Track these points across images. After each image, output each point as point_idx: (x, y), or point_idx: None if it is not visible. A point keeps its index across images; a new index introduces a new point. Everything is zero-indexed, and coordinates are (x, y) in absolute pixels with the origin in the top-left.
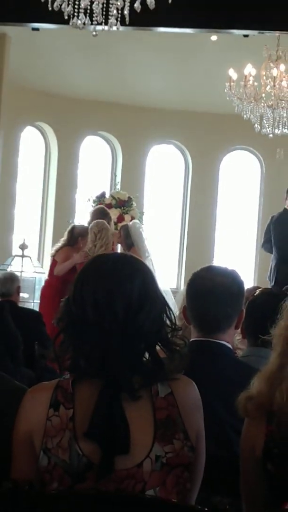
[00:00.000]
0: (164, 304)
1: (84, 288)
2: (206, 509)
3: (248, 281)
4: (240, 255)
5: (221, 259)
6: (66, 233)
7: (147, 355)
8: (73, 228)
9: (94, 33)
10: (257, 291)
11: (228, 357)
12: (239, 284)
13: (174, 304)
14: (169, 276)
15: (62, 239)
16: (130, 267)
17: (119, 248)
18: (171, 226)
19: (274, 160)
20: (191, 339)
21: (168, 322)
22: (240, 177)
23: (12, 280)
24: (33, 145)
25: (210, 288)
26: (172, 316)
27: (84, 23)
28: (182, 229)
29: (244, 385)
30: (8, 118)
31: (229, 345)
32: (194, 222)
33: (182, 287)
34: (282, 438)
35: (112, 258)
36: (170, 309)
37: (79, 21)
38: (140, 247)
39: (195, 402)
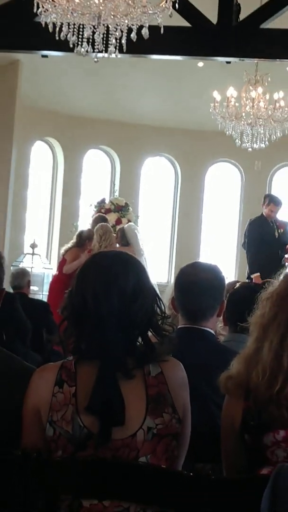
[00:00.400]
0: (155, 295)
1: (85, 282)
2: (191, 473)
3: (230, 275)
4: (222, 253)
5: (206, 256)
6: (75, 236)
7: (140, 339)
8: (82, 232)
9: (95, 59)
10: (237, 285)
11: (211, 342)
12: (221, 278)
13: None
14: (160, 271)
15: (72, 241)
16: (125, 263)
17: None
18: (163, 227)
19: (252, 171)
20: (179, 326)
21: (158, 311)
22: (223, 185)
23: (23, 275)
24: (42, 157)
25: (195, 282)
26: (162, 306)
27: (87, 51)
28: (172, 230)
29: (224, 366)
30: (20, 133)
31: (212, 331)
32: (182, 224)
33: (172, 281)
34: (257, 412)
35: (110, 255)
36: (160, 299)
37: (82, 49)
38: (135, 246)
39: (182, 381)
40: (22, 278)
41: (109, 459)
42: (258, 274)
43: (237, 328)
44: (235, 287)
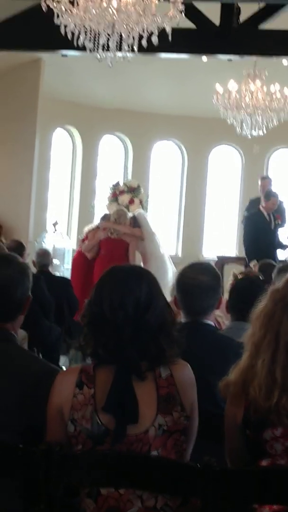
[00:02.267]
0: (166, 304)
1: (102, 292)
2: (198, 465)
3: (231, 249)
4: (224, 228)
5: (210, 231)
6: (100, 219)
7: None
8: (105, 215)
9: (110, 64)
10: (239, 276)
11: (213, 334)
12: (217, 278)
13: (174, 270)
14: (169, 245)
15: (97, 222)
16: (139, 275)
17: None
18: (171, 205)
19: (251, 154)
20: (182, 321)
21: (169, 318)
22: (225, 167)
23: (48, 254)
24: (62, 143)
25: (196, 285)
26: (172, 313)
27: (102, 57)
28: (179, 207)
29: (226, 354)
30: (42, 122)
31: (212, 323)
32: (189, 202)
33: (180, 253)
34: (256, 417)
35: (125, 269)
36: (170, 308)
37: (98, 55)
38: (145, 229)
39: (190, 381)
40: (47, 257)
41: (124, 453)
42: (256, 262)
43: (239, 317)
44: (237, 279)
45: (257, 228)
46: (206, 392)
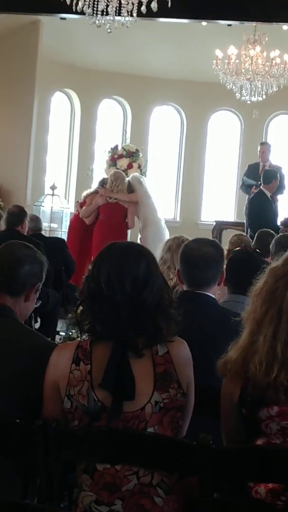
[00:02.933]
0: (164, 282)
1: (100, 268)
2: (194, 442)
3: (229, 214)
4: (222, 192)
5: (208, 196)
6: (98, 183)
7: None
8: (104, 179)
9: (109, 30)
10: (235, 249)
11: (212, 304)
12: (220, 251)
13: (167, 234)
14: (168, 209)
15: (96, 186)
16: (137, 252)
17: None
18: (170, 170)
19: (250, 119)
20: (184, 290)
21: (166, 296)
22: (224, 131)
23: (39, 218)
24: (61, 107)
25: (200, 256)
26: (170, 291)
27: (102, 22)
28: (178, 172)
29: (224, 325)
30: (41, 85)
31: (213, 296)
32: (187, 167)
33: (178, 218)
34: (253, 394)
35: (123, 245)
36: (168, 286)
37: (97, 21)
38: (138, 192)
39: (187, 358)
40: (38, 221)
41: (120, 429)
42: None
43: (235, 290)
44: (233, 251)
45: (261, 209)
46: (205, 365)
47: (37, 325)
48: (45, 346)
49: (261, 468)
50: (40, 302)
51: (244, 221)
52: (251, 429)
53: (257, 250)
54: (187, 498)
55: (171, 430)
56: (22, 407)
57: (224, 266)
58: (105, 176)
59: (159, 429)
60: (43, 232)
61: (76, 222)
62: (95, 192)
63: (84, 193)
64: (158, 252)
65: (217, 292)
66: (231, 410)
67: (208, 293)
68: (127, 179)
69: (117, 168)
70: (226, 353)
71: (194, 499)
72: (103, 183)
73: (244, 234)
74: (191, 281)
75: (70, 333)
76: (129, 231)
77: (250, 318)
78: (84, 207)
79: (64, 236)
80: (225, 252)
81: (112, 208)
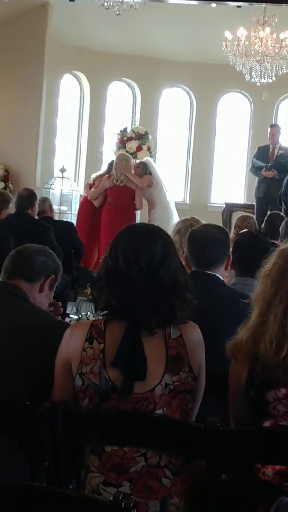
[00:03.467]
0: (180, 264)
1: (118, 247)
2: (201, 424)
3: (239, 196)
4: (232, 175)
5: (218, 178)
6: (107, 165)
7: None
8: (112, 161)
9: (117, 12)
10: (241, 232)
11: (220, 284)
12: (226, 234)
13: (176, 216)
14: (177, 191)
15: (104, 169)
16: (154, 233)
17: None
18: (179, 152)
19: (260, 101)
20: (192, 270)
21: (182, 279)
22: (234, 114)
23: (43, 201)
24: (70, 89)
25: (207, 236)
26: (186, 275)
27: (109, 4)
28: (187, 154)
29: (233, 305)
30: (50, 68)
31: (221, 277)
32: (197, 149)
33: (188, 200)
34: (262, 375)
35: (140, 225)
36: (184, 269)
37: (105, 3)
38: (155, 176)
39: (199, 343)
40: (43, 203)
41: (129, 411)
42: None
43: (242, 272)
44: (239, 234)
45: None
46: (213, 345)
47: None
48: (57, 325)
49: (268, 450)
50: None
51: (254, 203)
52: (259, 411)
53: (264, 232)
54: (194, 480)
55: (180, 413)
56: (36, 386)
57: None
58: (114, 159)
59: (168, 411)
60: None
61: (85, 204)
62: (104, 174)
63: (93, 175)
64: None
65: (225, 275)
66: (239, 392)
67: (216, 274)
68: (142, 160)
69: (127, 151)
70: (235, 335)
71: (202, 481)
72: (111, 165)
73: (251, 215)
74: (199, 261)
75: (80, 316)
76: (138, 213)
77: (259, 299)
78: (92, 189)
79: (73, 218)
80: (232, 236)
81: (119, 191)
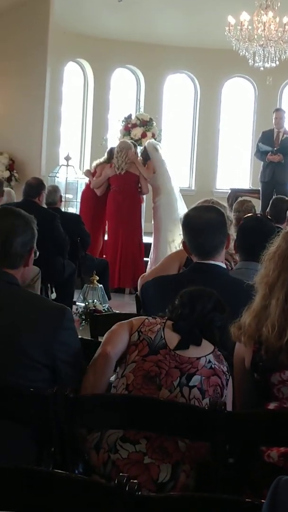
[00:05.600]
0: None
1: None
2: (206, 407)
3: (244, 180)
4: (237, 160)
5: (223, 164)
6: (106, 153)
7: None
8: (112, 149)
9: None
10: (246, 216)
11: (224, 276)
12: (222, 214)
13: (181, 203)
14: (182, 177)
15: (104, 157)
16: (211, 297)
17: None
18: (184, 138)
19: (264, 85)
20: (194, 261)
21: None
22: (238, 98)
23: (55, 191)
24: (74, 77)
25: (203, 223)
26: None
27: None
28: (192, 140)
29: (237, 296)
30: (54, 55)
31: (223, 265)
32: (202, 134)
33: (193, 186)
34: (266, 359)
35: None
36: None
37: None
38: (154, 159)
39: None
40: (55, 194)
41: (133, 396)
42: None
43: (247, 257)
44: (244, 218)
45: None
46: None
47: (53, 296)
48: (55, 308)
49: (273, 432)
50: (39, 253)
51: (259, 188)
52: (263, 393)
53: (269, 216)
54: (200, 462)
55: (213, 392)
56: (46, 371)
57: (235, 234)
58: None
59: (205, 382)
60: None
61: (88, 192)
62: (105, 162)
63: (94, 163)
64: (170, 220)
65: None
66: (243, 375)
67: (218, 263)
68: (142, 146)
69: (131, 138)
70: (240, 317)
71: (207, 463)
72: (111, 153)
73: (248, 199)
74: (200, 251)
75: (87, 303)
76: (144, 197)
77: (263, 282)
78: (94, 178)
79: (79, 206)
80: (234, 221)
81: (124, 178)
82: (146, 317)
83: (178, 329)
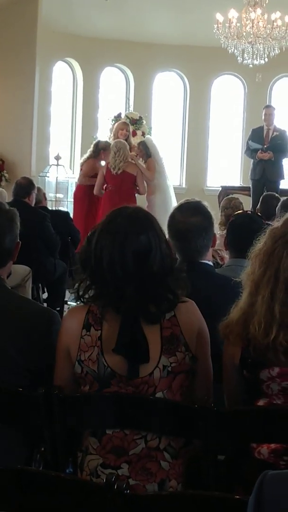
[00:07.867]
0: (166, 245)
1: (100, 247)
2: (195, 405)
3: (235, 178)
4: (227, 157)
5: (213, 161)
6: (92, 146)
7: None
8: (98, 142)
9: None
10: (236, 213)
11: (211, 273)
12: (208, 217)
13: (174, 201)
14: (173, 175)
15: (89, 150)
16: (138, 223)
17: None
18: (174, 136)
19: (254, 82)
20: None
21: (169, 260)
22: (227, 96)
23: (38, 190)
24: (63, 76)
25: (187, 229)
26: (173, 255)
27: None
28: (182, 138)
29: (225, 293)
30: (43, 55)
31: (210, 263)
32: (192, 133)
33: (184, 184)
34: (254, 356)
35: (125, 214)
36: (170, 248)
37: None
38: (155, 156)
39: (195, 319)
40: (39, 193)
41: (124, 395)
42: None
43: (237, 254)
44: (234, 215)
45: None
46: (211, 336)
47: (45, 295)
48: (42, 312)
49: (263, 428)
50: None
51: (250, 186)
52: (253, 390)
53: (259, 213)
54: (191, 459)
55: (181, 395)
56: (28, 375)
57: (224, 231)
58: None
59: (168, 394)
60: (49, 202)
61: (80, 191)
62: (90, 157)
63: (81, 160)
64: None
65: (218, 250)
66: (233, 371)
67: (204, 261)
68: (141, 141)
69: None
70: (228, 315)
71: (198, 461)
72: (97, 146)
73: (235, 197)
74: (185, 254)
75: (79, 303)
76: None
77: (249, 280)
78: (82, 177)
79: (70, 205)
80: (223, 218)
81: (120, 178)
82: (81, 330)
83: (119, 351)
